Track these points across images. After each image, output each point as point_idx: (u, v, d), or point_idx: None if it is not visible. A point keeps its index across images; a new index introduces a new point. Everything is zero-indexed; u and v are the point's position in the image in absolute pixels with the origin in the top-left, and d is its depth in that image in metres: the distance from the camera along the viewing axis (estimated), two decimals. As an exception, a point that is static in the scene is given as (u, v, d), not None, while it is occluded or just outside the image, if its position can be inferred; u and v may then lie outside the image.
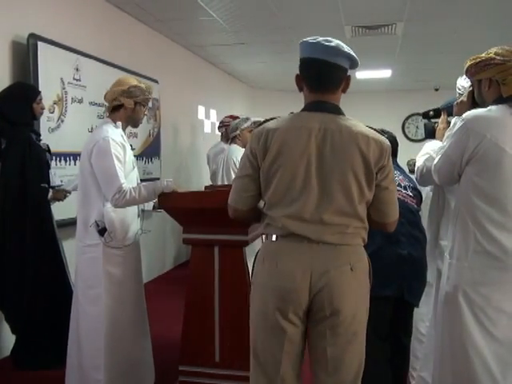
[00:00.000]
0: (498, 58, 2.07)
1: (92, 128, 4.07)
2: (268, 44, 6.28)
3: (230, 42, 6.17)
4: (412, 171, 4.68)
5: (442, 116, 2.77)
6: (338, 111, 1.85)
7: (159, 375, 2.98)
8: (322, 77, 1.83)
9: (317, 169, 1.78)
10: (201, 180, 6.84)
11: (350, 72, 1.90)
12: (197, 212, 2.57)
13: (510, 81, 2.05)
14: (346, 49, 1.82)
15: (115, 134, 2.61)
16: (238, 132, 4.67)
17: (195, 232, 2.69)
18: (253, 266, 1.96)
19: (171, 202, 2.60)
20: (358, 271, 1.80)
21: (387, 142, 1.86)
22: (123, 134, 2.71)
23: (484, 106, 2.16)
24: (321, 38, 1.81)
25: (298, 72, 1.89)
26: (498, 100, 2.09)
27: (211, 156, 5.60)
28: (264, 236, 1.94)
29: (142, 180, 2.90)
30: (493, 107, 2.10)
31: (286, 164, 1.79)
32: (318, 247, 1.77)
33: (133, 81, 2.72)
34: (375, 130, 1.89)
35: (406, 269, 2.47)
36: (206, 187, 3.63)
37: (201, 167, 6.92)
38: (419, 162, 2.54)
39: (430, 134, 2.90)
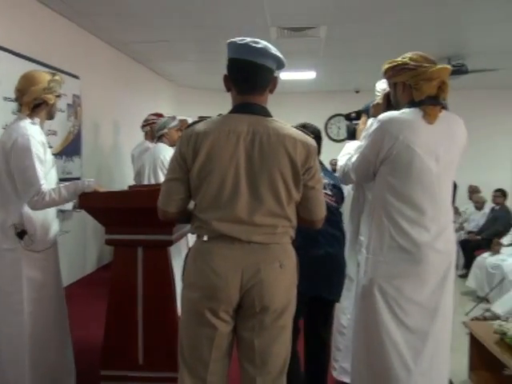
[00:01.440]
0: (412, 63, 2.19)
1: (6, 124, 3.85)
2: (193, 42, 6.23)
3: (153, 39, 6.07)
4: (335, 170, 4.82)
5: (363, 118, 2.88)
6: (265, 113, 1.88)
7: (81, 381, 2.88)
8: (250, 78, 1.85)
9: (246, 172, 1.80)
10: (124, 180, 6.66)
11: (276, 73, 1.92)
12: (119, 212, 2.50)
13: (422, 86, 2.16)
14: (274, 50, 1.85)
15: (34, 132, 2.48)
16: (165, 130, 4.59)
17: (118, 232, 2.63)
18: (183, 265, 1.94)
19: (92, 202, 2.52)
20: (286, 268, 1.86)
21: (314, 143, 1.91)
22: (42, 131, 2.59)
23: (398, 108, 2.27)
24: (248, 39, 1.82)
25: (225, 72, 1.90)
26: (411, 103, 2.21)
27: (135, 155, 5.47)
28: (195, 236, 1.94)
29: (61, 180, 2.79)
30: (406, 110, 2.21)
31: (216, 168, 1.80)
32: (249, 247, 1.81)
33: (46, 75, 2.59)
34: (299, 127, 1.94)
35: (323, 268, 2.53)
36: (129, 187, 3.54)
37: (124, 166, 6.75)
38: (341, 162, 2.62)
39: (352, 134, 3.01)
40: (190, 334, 1.86)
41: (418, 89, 2.18)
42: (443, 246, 2.22)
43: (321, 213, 1.99)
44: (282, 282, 1.84)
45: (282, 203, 1.83)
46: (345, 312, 3.11)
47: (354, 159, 2.35)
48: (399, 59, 2.24)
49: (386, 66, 2.29)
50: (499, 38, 5.72)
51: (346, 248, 3.02)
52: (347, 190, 3.22)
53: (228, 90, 1.93)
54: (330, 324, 2.80)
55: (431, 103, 2.17)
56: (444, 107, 2.23)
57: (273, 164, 1.80)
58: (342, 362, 3.14)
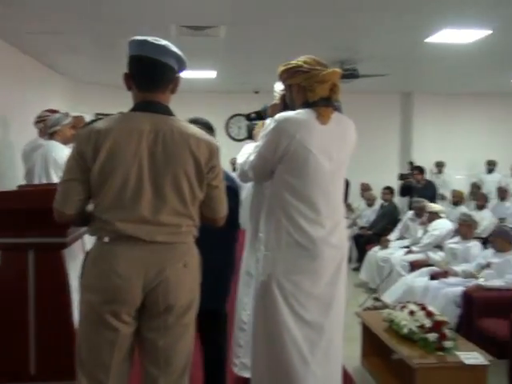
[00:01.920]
0: (305, 66, 2.29)
1: None
2: (89, 36, 5.98)
3: (47, 31, 5.72)
4: (235, 169, 4.86)
5: (260, 122, 2.97)
6: (168, 112, 1.88)
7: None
8: (151, 75, 1.83)
9: (149, 171, 1.78)
10: (16, 179, 6.23)
11: (178, 74, 1.92)
12: (5, 213, 2.34)
13: (315, 87, 2.27)
14: (175, 49, 1.86)
15: None
16: (58, 127, 4.38)
17: (5, 236, 2.45)
18: (81, 269, 1.86)
19: (-25, 204, 2.33)
20: (190, 267, 1.87)
21: (216, 143, 1.94)
22: None
23: (294, 108, 2.36)
24: (149, 38, 1.82)
25: (125, 69, 1.87)
26: (305, 104, 2.31)
27: (26, 152, 5.14)
28: (93, 238, 1.87)
29: None
30: (301, 110, 2.30)
31: (118, 167, 1.76)
32: (153, 247, 1.79)
33: None
34: (190, 121, 1.97)
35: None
36: (19, 186, 3.32)
37: (16, 165, 6.30)
38: (240, 160, 2.67)
39: (252, 134, 3.07)
40: (89, 338, 1.80)
41: (311, 90, 2.28)
42: (337, 240, 2.34)
43: (223, 210, 2.02)
44: (186, 281, 1.85)
45: (186, 202, 1.83)
46: (245, 308, 3.16)
47: (251, 158, 2.40)
48: (293, 62, 2.34)
49: (281, 68, 2.38)
50: (387, 46, 6.11)
51: (246, 245, 3.07)
52: (247, 188, 3.28)
53: (129, 88, 1.90)
54: (223, 328, 2.78)
55: (324, 104, 2.28)
56: (336, 109, 2.35)
57: (177, 163, 1.80)
58: (242, 357, 3.18)
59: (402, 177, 8.01)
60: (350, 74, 6.39)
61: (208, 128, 2.37)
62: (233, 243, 2.71)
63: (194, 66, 7.13)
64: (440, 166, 9.85)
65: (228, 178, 2.58)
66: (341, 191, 2.41)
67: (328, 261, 2.31)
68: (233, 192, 2.46)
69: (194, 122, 2.14)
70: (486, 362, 3.03)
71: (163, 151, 1.79)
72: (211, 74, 8.10)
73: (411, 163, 8.45)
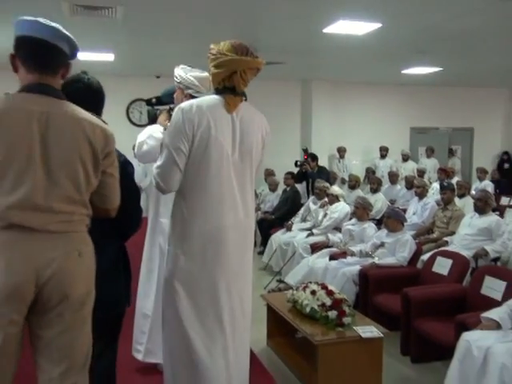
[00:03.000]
0: (216, 50, 2.23)
1: None
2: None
3: None
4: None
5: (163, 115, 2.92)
6: (60, 96, 1.79)
7: None
8: (40, 56, 1.74)
9: (41, 155, 1.68)
10: None
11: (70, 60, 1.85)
12: None
13: (220, 72, 2.22)
14: (66, 32, 1.79)
15: None
16: None
17: None
18: None
19: None
20: (85, 256, 1.79)
21: (110, 129, 1.88)
22: None
23: (211, 94, 2.32)
24: (41, 19, 1.74)
25: (12, 51, 1.76)
26: (216, 91, 2.28)
27: None
28: None
29: None
30: (208, 97, 2.27)
31: (5, 151, 1.64)
32: (43, 236, 1.68)
33: None
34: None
35: None
36: None
37: None
38: (140, 138, 2.61)
39: (153, 119, 3.00)
40: None
41: (214, 76, 2.25)
42: (243, 227, 2.33)
43: (116, 201, 1.95)
44: (82, 271, 1.78)
45: (80, 189, 1.76)
46: (149, 294, 3.11)
47: (158, 144, 2.33)
48: (213, 46, 2.27)
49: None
50: (286, 34, 6.24)
51: (148, 229, 3.03)
52: (151, 171, 3.23)
53: (15, 70, 1.79)
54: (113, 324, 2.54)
55: (232, 93, 2.24)
56: (246, 99, 2.33)
57: (71, 148, 1.72)
58: (147, 343, 3.14)
59: (297, 164, 8.24)
60: (252, 61, 6.44)
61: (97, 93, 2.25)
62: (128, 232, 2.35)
63: (90, 48, 6.81)
64: (342, 151, 10.31)
65: (121, 154, 2.42)
66: (248, 179, 2.36)
67: (234, 248, 2.30)
68: (129, 165, 2.22)
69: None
70: (380, 335, 3.24)
71: (56, 136, 1.70)
72: (108, 57, 7.78)
73: (305, 150, 8.67)
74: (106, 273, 2.05)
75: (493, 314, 3.16)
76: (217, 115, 2.22)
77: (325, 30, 5.89)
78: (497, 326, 3.09)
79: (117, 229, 2.16)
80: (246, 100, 2.33)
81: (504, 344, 2.87)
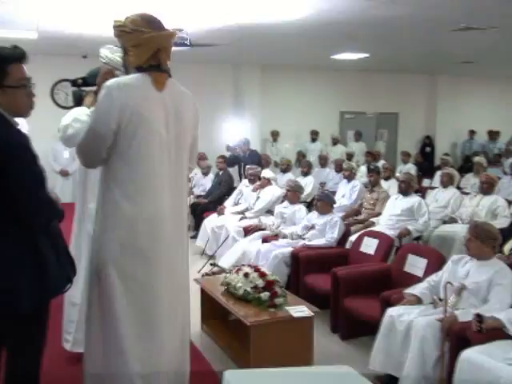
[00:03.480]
0: (130, 26, 2.13)
1: None
2: None
3: None
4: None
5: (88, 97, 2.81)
6: None
7: None
8: None
9: None
10: None
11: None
12: None
13: (143, 51, 2.13)
14: None
15: None
16: None
17: None
18: None
19: None
20: None
21: None
22: None
23: (128, 73, 2.24)
24: None
25: None
26: (139, 69, 2.18)
27: None
28: None
29: None
30: (134, 75, 2.18)
31: None
32: None
33: None
34: None
35: None
36: None
37: None
38: (64, 122, 2.51)
39: (79, 101, 2.89)
40: None
41: (135, 54, 2.15)
42: (177, 211, 2.28)
43: None
44: None
45: None
46: (76, 282, 3.03)
47: (85, 126, 2.23)
48: (119, 21, 2.18)
49: (113, 25, 2.21)
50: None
51: (75, 216, 2.93)
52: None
53: None
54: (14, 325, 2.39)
55: (157, 70, 2.17)
56: (171, 76, 2.25)
57: None
58: (76, 333, 3.07)
59: (229, 148, 8.24)
60: (182, 43, 6.34)
61: None
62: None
63: (9, 25, 6.42)
64: (275, 135, 10.41)
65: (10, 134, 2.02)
66: (183, 160, 2.30)
67: (168, 233, 2.23)
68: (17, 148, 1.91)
69: None
70: (311, 314, 3.35)
71: None
72: (31, 35, 7.36)
73: None
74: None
75: (414, 289, 3.35)
76: (146, 94, 2.14)
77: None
78: (418, 300, 3.29)
79: (17, 217, 1.92)
80: (170, 77, 2.26)
81: (424, 317, 3.06)
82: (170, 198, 2.23)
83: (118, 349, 2.18)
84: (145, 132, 2.13)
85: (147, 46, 2.13)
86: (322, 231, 4.92)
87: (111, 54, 2.86)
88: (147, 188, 2.17)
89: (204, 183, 8.12)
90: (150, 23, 2.15)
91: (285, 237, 5.14)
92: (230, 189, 7.39)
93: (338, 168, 8.19)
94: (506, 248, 4.15)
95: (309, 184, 7.52)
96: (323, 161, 9.12)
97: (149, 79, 2.16)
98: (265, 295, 3.41)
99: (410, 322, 3.05)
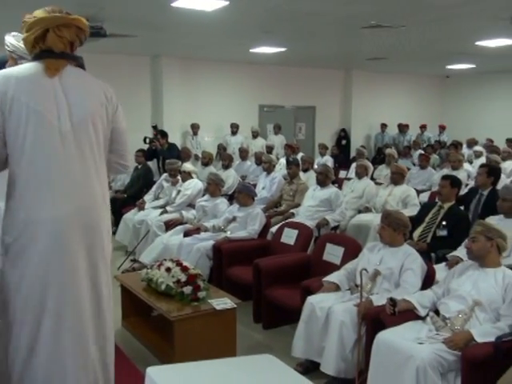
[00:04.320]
0: (28, 16, 2.06)
1: None
2: None
3: None
4: None
5: None
6: None
7: None
8: None
9: None
10: None
11: None
12: None
13: (30, 34, 2.03)
14: None
15: None
16: None
17: None
18: None
19: None
20: None
21: None
22: None
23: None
24: None
25: None
26: (35, 57, 2.07)
27: None
28: None
29: None
30: (26, 65, 2.08)
31: None
32: None
33: None
34: None
35: None
36: None
37: None
38: None
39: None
40: None
41: (26, 38, 2.06)
42: (87, 219, 2.08)
43: None
44: None
45: None
46: None
47: None
48: (27, 15, 2.09)
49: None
50: (133, 5, 6.01)
51: None
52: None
53: None
54: None
55: (49, 56, 2.05)
56: (78, 63, 2.13)
57: None
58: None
59: (146, 140, 8.07)
60: (97, 33, 6.11)
61: None
62: None
63: None
64: (195, 128, 10.31)
65: None
66: (91, 159, 2.10)
67: (73, 246, 2.03)
68: None
69: None
70: (234, 306, 3.38)
71: None
72: None
73: (155, 127, 8.52)
74: None
75: (333, 277, 3.48)
76: (35, 83, 2.00)
77: (173, 4, 5.80)
78: (336, 287, 3.42)
79: None
80: (80, 65, 2.14)
81: (342, 304, 3.19)
82: (77, 199, 2.04)
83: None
84: (35, 126, 1.97)
85: (34, 29, 2.02)
86: (244, 223, 4.97)
87: (17, 41, 2.69)
88: (44, 189, 1.98)
89: (122, 177, 7.89)
90: (47, 11, 2.05)
91: (206, 230, 5.13)
92: (150, 183, 7.25)
93: (259, 161, 8.29)
94: (416, 234, 4.42)
95: (230, 177, 7.56)
96: (244, 154, 9.19)
97: (41, 66, 2.03)
98: (187, 289, 3.40)
99: (329, 308, 3.17)
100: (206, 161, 7.91)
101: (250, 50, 9.34)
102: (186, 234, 5.26)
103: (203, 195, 6.02)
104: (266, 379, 1.66)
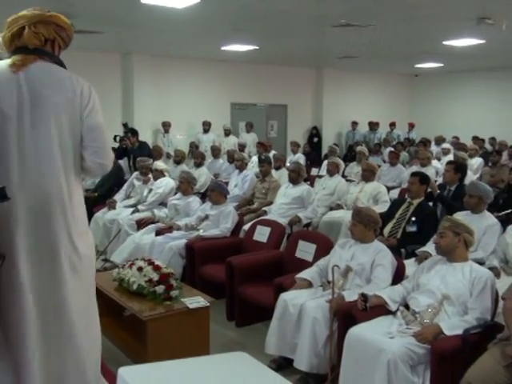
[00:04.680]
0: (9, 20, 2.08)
1: None
2: None
3: None
4: None
5: None
6: None
7: None
8: None
9: None
10: None
11: None
12: None
13: (7, 32, 2.06)
14: None
15: None
16: None
17: None
18: None
19: None
20: None
21: None
22: None
23: None
24: None
25: None
26: (10, 54, 2.09)
27: None
28: None
29: None
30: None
31: None
32: None
33: None
34: None
35: None
36: None
37: None
38: None
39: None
40: None
41: (3, 36, 2.09)
42: (46, 215, 2.03)
43: None
44: None
45: None
46: None
47: None
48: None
49: None
50: (102, 2, 5.93)
51: None
52: None
53: None
54: None
55: (23, 52, 2.06)
56: (52, 59, 2.12)
57: None
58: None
59: (116, 138, 7.95)
60: None
61: None
62: None
63: None
64: (166, 126, 10.22)
65: None
66: (57, 158, 2.06)
67: (29, 258, 1.99)
68: None
69: None
70: (207, 304, 3.37)
71: None
72: None
73: (125, 125, 8.40)
74: None
75: (305, 274, 3.51)
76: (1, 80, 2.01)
77: (143, 1, 5.74)
78: (309, 284, 3.45)
79: None
80: (58, 62, 2.13)
81: (315, 300, 3.22)
82: (34, 198, 2.00)
83: None
84: None
85: (11, 27, 2.05)
86: (216, 222, 4.96)
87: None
88: None
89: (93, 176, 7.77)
90: (28, 10, 2.07)
91: (179, 229, 5.10)
92: (121, 181, 7.16)
93: (231, 159, 8.28)
94: (386, 231, 4.49)
95: (202, 175, 7.53)
96: (216, 152, 9.16)
97: (7, 63, 2.04)
98: (160, 288, 3.37)
99: (301, 305, 3.19)
100: (179, 159, 7.85)
101: (222, 48, 9.31)
102: (158, 232, 5.21)
103: (175, 193, 5.98)
104: (240, 377, 1.67)
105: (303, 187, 5.67)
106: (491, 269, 3.35)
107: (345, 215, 5.54)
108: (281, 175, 6.95)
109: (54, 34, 2.11)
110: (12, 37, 2.05)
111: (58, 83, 2.09)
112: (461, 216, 3.86)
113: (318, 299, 3.23)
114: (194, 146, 9.98)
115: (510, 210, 4.85)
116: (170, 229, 5.19)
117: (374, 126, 12.83)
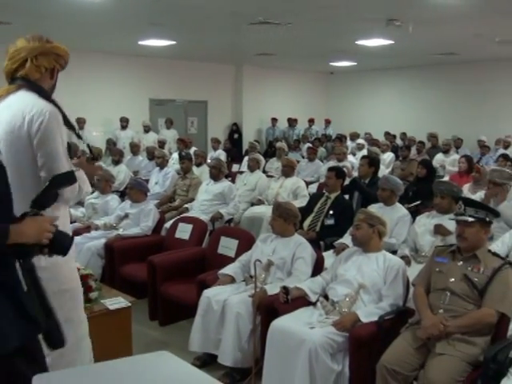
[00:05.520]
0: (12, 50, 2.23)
1: None
2: None
3: None
4: None
5: None
6: None
7: None
8: None
9: None
10: None
11: None
12: None
13: (15, 63, 2.20)
14: None
15: None
16: None
17: None
18: None
19: None
20: None
21: None
22: None
23: None
24: None
25: None
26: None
27: None
28: None
29: None
30: None
31: None
32: None
33: None
34: None
35: None
36: None
37: None
38: None
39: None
40: None
41: (8, 70, 2.23)
42: None
43: None
44: None
45: None
46: None
47: None
48: (11, 48, 2.26)
49: None
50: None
51: None
52: None
53: None
54: None
55: (12, 82, 2.18)
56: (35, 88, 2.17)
57: None
58: None
59: None
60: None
61: None
62: None
63: None
64: (81, 122, 9.81)
65: None
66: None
67: None
68: None
69: None
70: (128, 304, 3.29)
71: None
72: None
73: None
74: None
75: (228, 269, 3.53)
76: None
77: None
78: (232, 280, 3.47)
79: None
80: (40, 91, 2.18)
81: (237, 295, 3.25)
82: None
83: None
84: None
85: (13, 59, 2.19)
86: (136, 220, 4.85)
87: None
88: None
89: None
90: (28, 39, 2.23)
91: (97, 228, 4.94)
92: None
93: (151, 156, 8.13)
94: (306, 224, 4.61)
95: (121, 172, 7.33)
96: (135, 148, 8.94)
97: None
98: (78, 291, 3.25)
99: (224, 300, 3.21)
100: (96, 157, 7.58)
101: (139, 43, 9.10)
102: (76, 233, 5.02)
103: (92, 192, 5.78)
104: (162, 376, 1.64)
105: (224, 183, 5.69)
106: (403, 257, 3.56)
107: (266, 210, 5.62)
108: (202, 172, 6.92)
109: (54, 63, 2.29)
110: (15, 71, 2.18)
111: (12, 111, 2.12)
112: (374, 208, 4.06)
113: (240, 294, 3.26)
114: (111, 143, 9.68)
115: (418, 202, 5.14)
116: (87, 229, 5.01)
117: (292, 122, 13.10)
